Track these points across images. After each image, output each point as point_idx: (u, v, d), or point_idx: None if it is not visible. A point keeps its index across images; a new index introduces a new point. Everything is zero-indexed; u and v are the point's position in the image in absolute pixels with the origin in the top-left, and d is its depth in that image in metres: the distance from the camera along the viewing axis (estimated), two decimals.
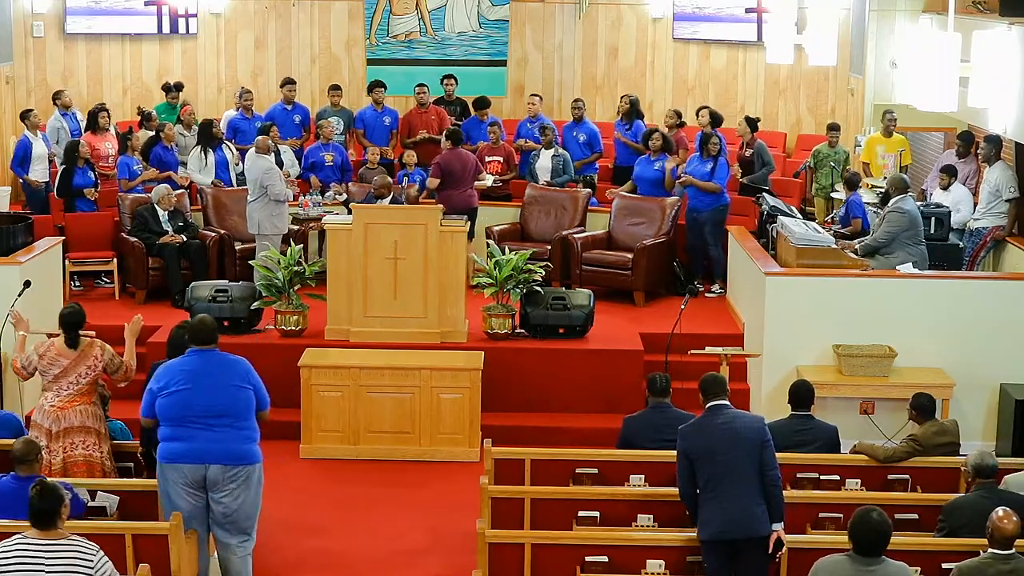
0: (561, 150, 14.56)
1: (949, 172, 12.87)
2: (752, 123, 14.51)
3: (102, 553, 6.04)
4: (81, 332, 8.34)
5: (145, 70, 17.22)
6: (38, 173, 14.21)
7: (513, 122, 15.89)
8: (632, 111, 15.10)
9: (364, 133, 15.42)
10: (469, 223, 11.75)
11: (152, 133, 14.43)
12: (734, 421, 7.06)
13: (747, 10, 16.60)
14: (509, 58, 17.46)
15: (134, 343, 8.43)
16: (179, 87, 16.11)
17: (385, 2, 17.36)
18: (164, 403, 7.40)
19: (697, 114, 14.91)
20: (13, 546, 5.98)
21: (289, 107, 15.32)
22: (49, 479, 6.19)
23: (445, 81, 15.95)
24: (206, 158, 13.98)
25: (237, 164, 14.09)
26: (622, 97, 15.50)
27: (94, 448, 8.09)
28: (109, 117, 14.61)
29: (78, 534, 6.23)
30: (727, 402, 7.17)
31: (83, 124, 14.87)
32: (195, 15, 17.23)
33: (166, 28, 17.11)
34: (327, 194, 13.88)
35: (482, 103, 15.35)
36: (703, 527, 6.99)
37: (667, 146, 13.75)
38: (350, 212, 11.56)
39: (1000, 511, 6.29)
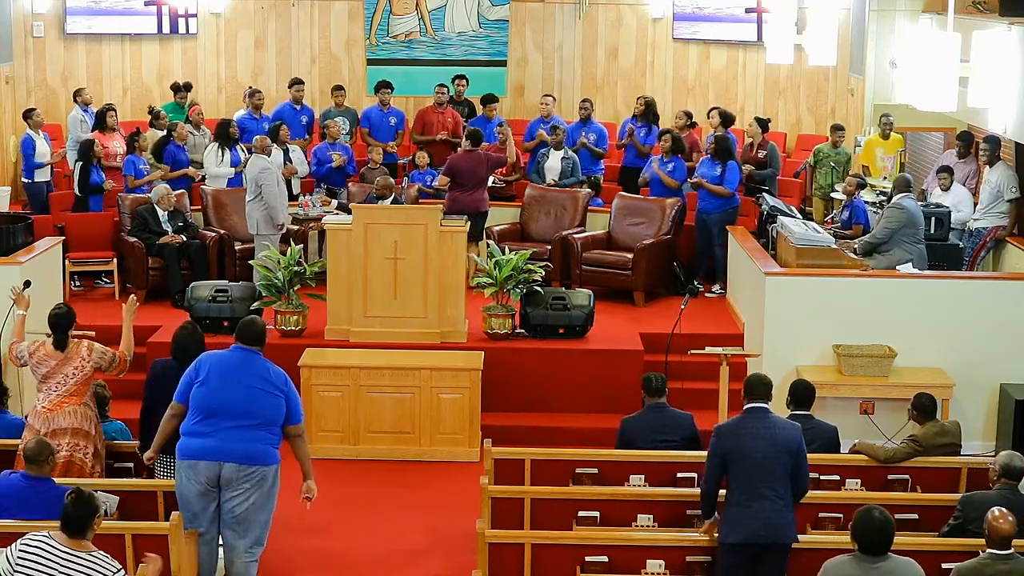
0: (570, 151, 14.56)
1: (948, 172, 12.87)
2: (763, 124, 14.51)
3: (123, 573, 5.98)
4: (77, 332, 8.32)
5: (145, 70, 17.22)
6: (40, 173, 14.24)
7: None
8: (648, 113, 15.07)
9: (369, 132, 15.45)
10: (470, 224, 11.69)
11: (162, 132, 14.48)
12: (774, 428, 7.04)
13: (747, 10, 16.60)
14: (509, 58, 17.46)
15: (131, 326, 8.40)
16: (188, 87, 16.16)
17: (385, 2, 17.36)
18: (197, 393, 7.41)
19: (708, 115, 14.92)
20: (36, 543, 5.94)
21: (298, 107, 15.35)
22: (86, 488, 6.16)
23: (456, 81, 15.97)
24: (223, 155, 13.99)
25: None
26: (638, 99, 15.45)
27: (77, 449, 8.05)
28: (116, 116, 14.65)
29: None
30: (768, 407, 7.16)
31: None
32: (195, 15, 17.23)
33: (166, 28, 17.11)
34: (315, 196, 13.90)
35: (490, 98, 15.36)
36: (732, 530, 6.96)
37: (677, 147, 13.71)
38: (349, 212, 11.56)
39: (996, 511, 6.30)
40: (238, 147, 14.20)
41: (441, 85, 15.60)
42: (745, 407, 7.20)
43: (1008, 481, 7.27)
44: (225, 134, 14.08)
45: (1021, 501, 7.07)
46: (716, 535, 7.11)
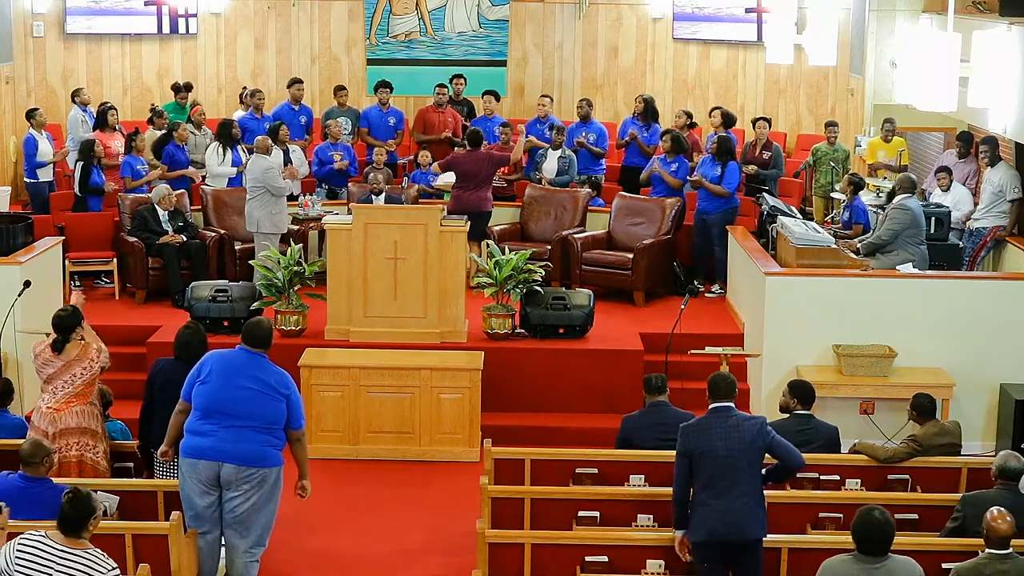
0: (568, 151, 14.54)
1: (947, 172, 12.88)
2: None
3: (118, 572, 6.00)
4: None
5: (145, 70, 17.23)
6: (43, 173, 14.25)
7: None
8: (647, 111, 15.06)
9: (369, 132, 15.47)
10: (472, 223, 11.70)
11: (161, 131, 14.49)
12: (739, 425, 7.04)
13: (747, 10, 16.62)
14: (509, 58, 17.47)
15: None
16: (188, 87, 16.18)
17: (385, 2, 17.37)
18: (199, 391, 7.43)
19: (710, 115, 14.92)
20: (32, 542, 5.97)
21: (296, 107, 15.35)
22: (84, 488, 6.17)
23: (455, 81, 15.98)
24: (225, 154, 14.00)
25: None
26: (637, 97, 15.46)
27: (87, 449, 8.07)
28: (117, 115, 14.66)
29: None
30: (732, 405, 7.14)
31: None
32: (195, 15, 17.26)
33: (166, 28, 17.13)
34: (315, 196, 13.94)
35: (489, 91, 15.47)
36: (698, 528, 6.97)
37: (679, 146, 13.68)
38: (350, 212, 11.57)
39: (994, 511, 6.30)
40: (239, 147, 14.21)
41: (441, 85, 15.65)
42: (710, 407, 7.17)
43: (1006, 481, 7.27)
44: (228, 134, 14.09)
45: (1021, 501, 7.06)
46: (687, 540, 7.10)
